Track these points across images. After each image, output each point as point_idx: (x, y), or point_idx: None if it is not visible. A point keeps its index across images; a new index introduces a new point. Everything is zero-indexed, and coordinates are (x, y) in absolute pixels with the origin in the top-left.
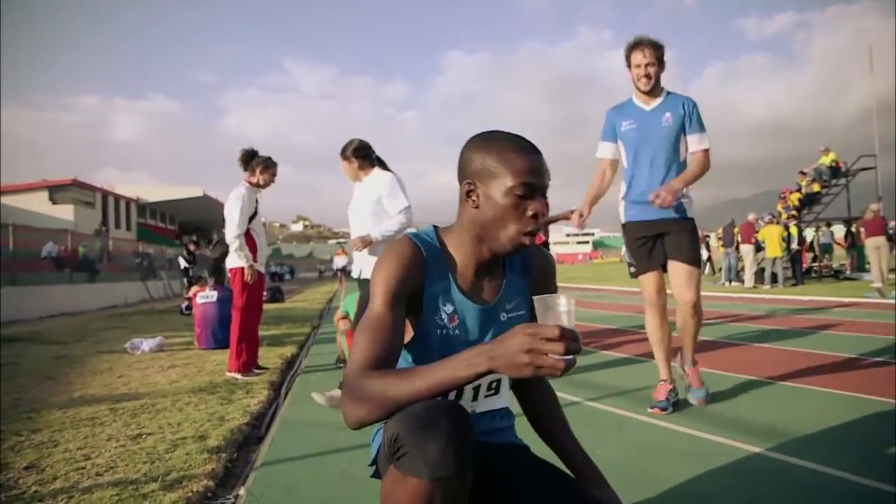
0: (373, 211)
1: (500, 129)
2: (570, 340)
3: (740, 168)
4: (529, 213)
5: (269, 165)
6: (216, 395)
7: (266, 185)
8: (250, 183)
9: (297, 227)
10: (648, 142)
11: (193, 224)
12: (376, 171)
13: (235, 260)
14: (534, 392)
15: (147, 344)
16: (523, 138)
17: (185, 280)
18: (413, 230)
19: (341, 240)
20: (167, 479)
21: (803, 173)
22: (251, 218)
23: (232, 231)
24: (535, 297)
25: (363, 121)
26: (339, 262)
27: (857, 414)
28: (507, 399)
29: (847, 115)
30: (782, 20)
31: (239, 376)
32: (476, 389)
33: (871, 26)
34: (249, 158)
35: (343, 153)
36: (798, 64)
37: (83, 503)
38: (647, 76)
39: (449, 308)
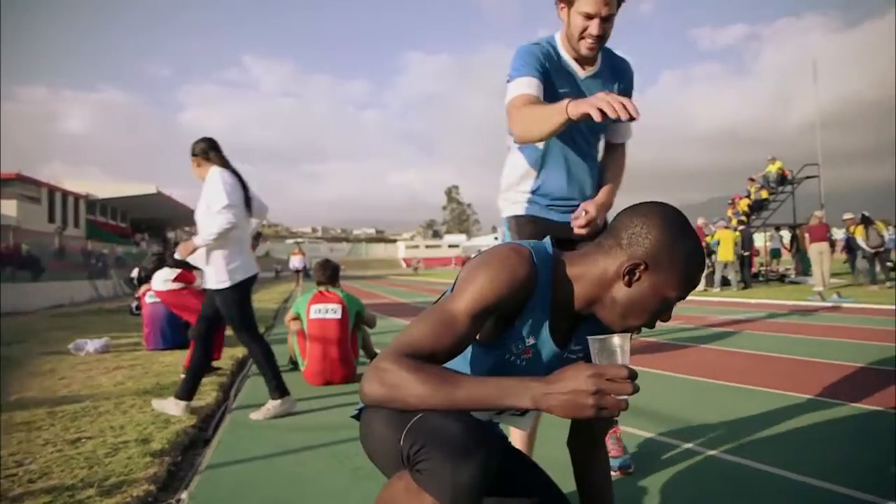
0: (203, 212)
1: (687, 226)
2: (634, 380)
3: (694, 174)
4: (661, 319)
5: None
6: (162, 397)
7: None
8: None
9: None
10: (574, 126)
11: (146, 222)
12: (212, 169)
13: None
14: (587, 436)
15: (92, 345)
16: (702, 251)
17: (136, 279)
18: (534, 243)
19: (298, 239)
20: (105, 484)
21: (752, 180)
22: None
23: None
24: (590, 338)
25: (323, 119)
26: (296, 262)
27: (799, 413)
28: (529, 424)
29: (793, 125)
30: (734, 32)
31: None
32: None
33: (816, 41)
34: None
35: (191, 151)
36: (748, 75)
37: None
38: (600, 37)
39: (531, 341)
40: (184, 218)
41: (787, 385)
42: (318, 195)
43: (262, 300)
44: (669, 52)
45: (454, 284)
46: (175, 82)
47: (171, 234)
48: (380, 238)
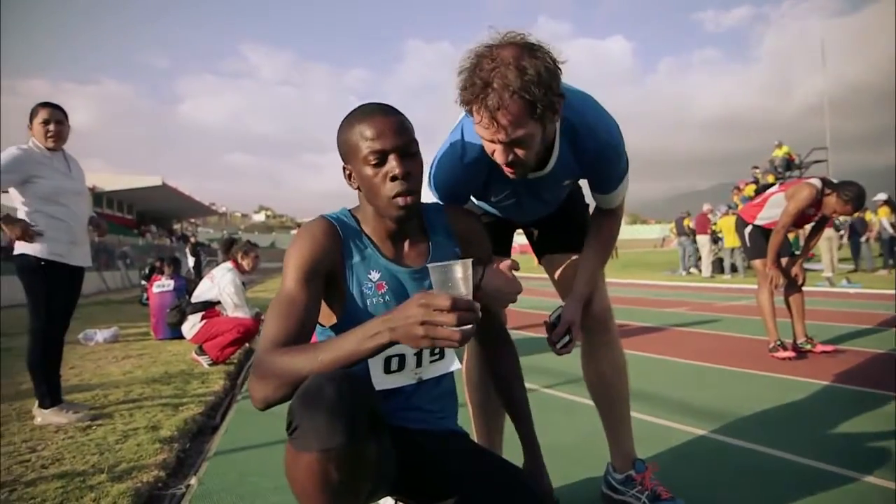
0: None
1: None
2: (464, 311)
3: (698, 160)
4: (389, 176)
5: (248, 250)
6: (171, 386)
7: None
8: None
9: (260, 217)
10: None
11: (152, 214)
12: None
13: None
14: (489, 350)
15: (101, 335)
16: (373, 104)
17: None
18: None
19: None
20: (116, 470)
21: (756, 167)
22: None
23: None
24: (429, 266)
25: (323, 108)
26: None
27: (807, 398)
28: (453, 363)
29: (796, 109)
30: (739, 13)
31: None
32: (419, 355)
33: (820, 24)
34: (230, 246)
35: None
36: (754, 58)
37: (26, 497)
38: (517, 163)
39: (375, 275)
40: (189, 209)
41: (794, 370)
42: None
43: (269, 290)
44: (673, 35)
45: None
46: (173, 73)
47: (176, 226)
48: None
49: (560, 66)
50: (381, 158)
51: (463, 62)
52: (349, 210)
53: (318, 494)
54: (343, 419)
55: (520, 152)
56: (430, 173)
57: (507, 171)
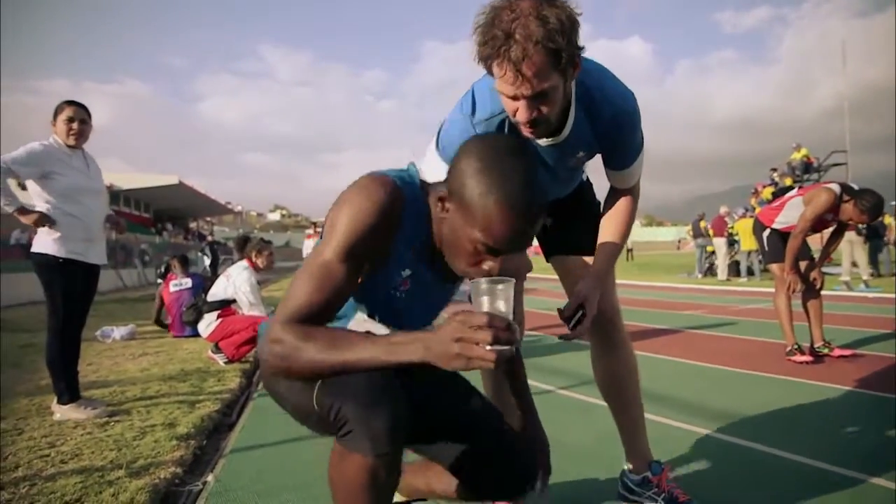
0: None
1: (511, 163)
2: (501, 329)
3: (716, 163)
4: (483, 266)
5: (262, 248)
6: (187, 383)
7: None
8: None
9: (275, 217)
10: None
11: (169, 212)
12: None
13: None
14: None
15: (118, 332)
16: (526, 195)
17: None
18: (396, 171)
19: (317, 228)
20: (134, 466)
21: (774, 170)
22: None
23: None
24: (472, 281)
25: (339, 108)
26: (310, 245)
27: (818, 401)
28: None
29: (815, 112)
30: (758, 14)
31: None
32: None
33: (841, 25)
34: (244, 244)
35: None
36: (773, 59)
37: (45, 491)
38: (537, 121)
39: (406, 272)
40: (205, 208)
41: (811, 374)
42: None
43: (283, 289)
44: (689, 38)
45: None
46: (192, 73)
47: (192, 225)
48: None
49: (578, 16)
50: (489, 254)
51: (478, 17)
52: (420, 185)
53: (364, 493)
54: (399, 430)
55: (543, 108)
56: (437, 136)
57: (526, 132)
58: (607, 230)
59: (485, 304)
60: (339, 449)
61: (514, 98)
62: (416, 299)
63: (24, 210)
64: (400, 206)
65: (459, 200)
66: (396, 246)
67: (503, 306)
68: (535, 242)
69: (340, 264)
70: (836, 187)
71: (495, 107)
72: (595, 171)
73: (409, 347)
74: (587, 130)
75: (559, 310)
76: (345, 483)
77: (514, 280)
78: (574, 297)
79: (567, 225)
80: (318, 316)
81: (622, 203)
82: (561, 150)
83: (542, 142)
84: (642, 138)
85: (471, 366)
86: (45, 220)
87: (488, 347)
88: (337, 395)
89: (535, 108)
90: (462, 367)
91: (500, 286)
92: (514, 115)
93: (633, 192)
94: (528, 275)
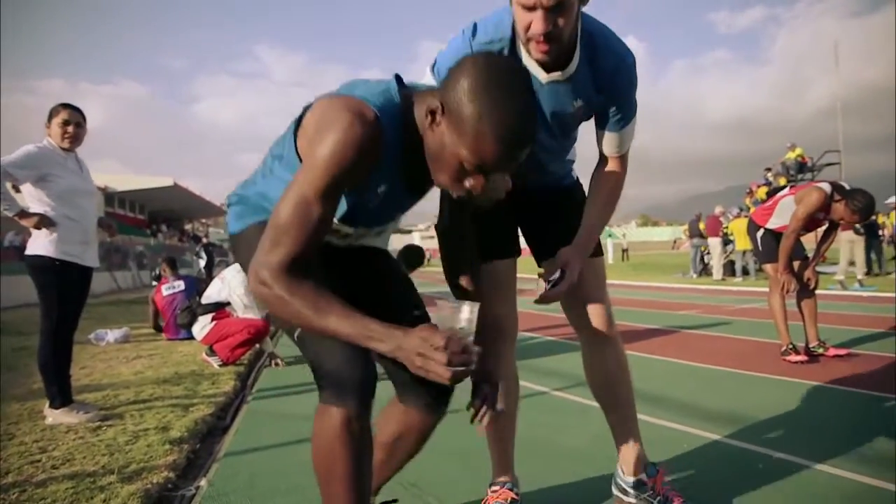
0: None
1: (508, 87)
2: (457, 353)
3: (710, 163)
4: (465, 184)
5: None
6: (181, 386)
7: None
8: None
9: None
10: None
11: (164, 214)
12: None
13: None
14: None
15: (112, 335)
16: (519, 124)
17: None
18: (379, 92)
19: None
20: (126, 470)
21: (769, 169)
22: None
23: None
24: (438, 302)
25: None
26: None
27: (813, 401)
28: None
29: (809, 112)
30: (752, 14)
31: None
32: None
33: (834, 25)
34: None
35: None
36: (766, 60)
37: (36, 497)
38: (551, 35)
39: (382, 188)
40: (200, 210)
41: (806, 374)
42: None
43: None
44: (683, 38)
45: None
46: (189, 74)
47: (187, 226)
48: (395, 229)
49: None
50: (478, 171)
51: None
52: (399, 99)
53: (338, 445)
54: (368, 383)
55: (560, 21)
56: (435, 59)
57: (539, 49)
58: (595, 202)
59: (456, 323)
60: (319, 407)
61: (532, 8)
62: (384, 205)
63: (24, 213)
64: (380, 137)
65: (452, 117)
66: (374, 173)
67: (466, 326)
68: (526, 245)
69: (321, 202)
70: (826, 187)
71: (497, 34)
72: (584, 171)
73: (384, 343)
74: (588, 78)
75: (539, 274)
76: (322, 437)
77: (478, 304)
78: (557, 260)
79: (558, 227)
80: (304, 262)
81: (611, 174)
82: (562, 92)
83: (545, 77)
84: (636, 104)
85: (429, 377)
86: (45, 222)
87: (444, 367)
88: (315, 347)
89: (552, 20)
90: (422, 375)
91: (465, 310)
92: (528, 31)
93: (622, 161)
94: (520, 276)
